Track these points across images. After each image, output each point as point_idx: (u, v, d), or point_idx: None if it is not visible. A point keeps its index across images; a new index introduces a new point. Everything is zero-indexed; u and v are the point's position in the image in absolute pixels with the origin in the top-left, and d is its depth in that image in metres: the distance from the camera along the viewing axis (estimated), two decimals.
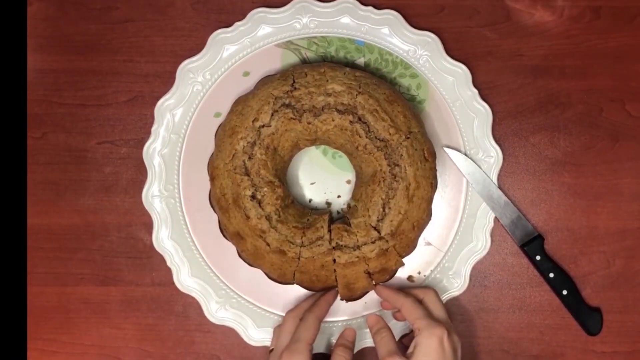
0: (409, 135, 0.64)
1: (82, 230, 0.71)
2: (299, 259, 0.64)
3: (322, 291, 0.66)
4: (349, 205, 0.68)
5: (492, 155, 0.70)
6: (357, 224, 0.64)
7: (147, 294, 0.71)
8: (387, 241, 0.64)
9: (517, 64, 0.72)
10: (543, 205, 0.72)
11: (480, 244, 0.69)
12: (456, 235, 0.70)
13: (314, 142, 0.66)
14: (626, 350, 0.71)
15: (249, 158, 0.64)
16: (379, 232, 0.64)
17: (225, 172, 0.64)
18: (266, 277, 0.67)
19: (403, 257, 0.66)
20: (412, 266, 0.70)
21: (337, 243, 0.64)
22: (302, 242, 0.64)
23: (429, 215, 0.66)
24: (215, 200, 0.66)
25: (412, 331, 0.64)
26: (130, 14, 0.72)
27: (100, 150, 0.72)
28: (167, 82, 0.70)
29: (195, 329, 0.71)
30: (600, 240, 0.71)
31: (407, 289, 0.66)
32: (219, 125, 0.68)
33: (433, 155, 0.66)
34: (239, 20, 0.69)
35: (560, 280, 0.69)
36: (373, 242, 0.64)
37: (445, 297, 0.69)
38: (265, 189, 0.63)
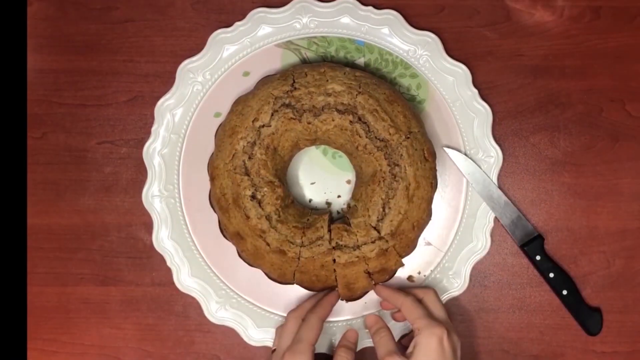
0: (409, 135, 0.64)
1: (82, 230, 0.71)
2: (299, 259, 0.64)
3: (324, 291, 0.66)
4: (349, 205, 0.68)
5: (492, 155, 0.70)
6: (357, 223, 0.64)
7: (147, 294, 0.71)
8: (387, 241, 0.64)
9: (517, 64, 0.72)
10: (543, 205, 0.72)
11: (480, 244, 0.69)
12: (456, 235, 0.70)
13: (314, 142, 0.66)
14: (626, 350, 0.71)
15: (249, 158, 0.64)
16: (379, 232, 0.64)
17: (225, 172, 0.64)
18: (266, 277, 0.67)
19: (403, 257, 0.66)
20: (412, 266, 0.70)
21: (337, 243, 0.64)
22: (302, 242, 0.64)
23: (429, 215, 0.66)
24: (215, 200, 0.66)
25: (411, 331, 0.64)
26: (130, 14, 0.72)
27: (100, 150, 0.72)
28: (167, 82, 0.70)
29: (195, 329, 0.71)
30: (600, 240, 0.71)
31: (407, 289, 0.66)
32: (219, 125, 0.68)
33: (433, 155, 0.66)
34: (239, 20, 0.69)
35: (560, 280, 0.69)
36: (373, 242, 0.64)
37: (445, 297, 0.69)
38: (265, 189, 0.63)
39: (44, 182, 0.71)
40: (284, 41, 0.70)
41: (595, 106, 0.72)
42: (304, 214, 0.66)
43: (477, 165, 0.69)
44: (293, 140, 0.65)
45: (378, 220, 0.64)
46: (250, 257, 0.66)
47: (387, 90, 0.65)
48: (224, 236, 0.68)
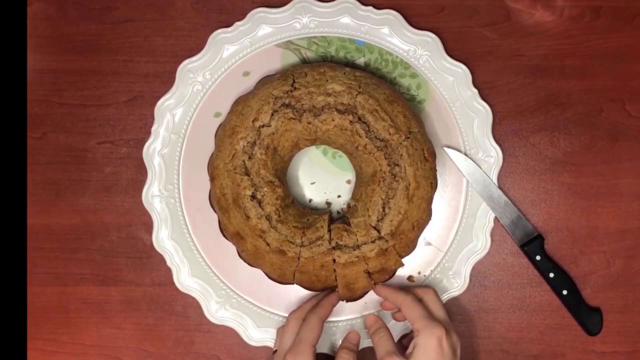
0: (409, 135, 0.64)
1: (82, 230, 0.71)
2: (299, 259, 0.64)
3: (324, 292, 0.66)
4: (348, 205, 0.68)
5: (492, 155, 0.70)
6: (357, 223, 0.64)
7: (147, 294, 0.71)
8: (387, 241, 0.64)
9: (517, 64, 0.72)
10: (543, 205, 0.72)
11: (480, 244, 0.69)
12: (456, 235, 0.70)
13: (314, 142, 0.66)
14: (626, 350, 0.71)
15: (249, 158, 0.64)
16: (378, 232, 0.64)
17: (225, 172, 0.64)
18: (266, 277, 0.67)
19: (403, 257, 0.66)
20: (412, 266, 0.70)
21: (337, 243, 0.64)
22: (302, 242, 0.64)
23: (429, 215, 0.66)
24: (215, 200, 0.66)
25: (411, 331, 0.64)
26: (130, 14, 0.72)
27: (100, 150, 0.72)
28: (167, 82, 0.70)
29: (195, 329, 0.71)
30: (600, 240, 0.71)
31: (407, 288, 0.66)
32: (219, 125, 0.68)
33: (433, 155, 0.66)
34: (239, 20, 0.69)
35: (560, 280, 0.69)
36: (373, 242, 0.64)
37: (445, 297, 0.69)
38: (265, 189, 0.63)
39: (44, 182, 0.72)
40: (284, 41, 0.70)
41: (595, 106, 0.72)
42: (304, 214, 0.66)
43: (477, 165, 0.69)
44: (293, 140, 0.65)
45: (378, 220, 0.64)
46: (250, 257, 0.66)
47: (387, 90, 0.65)
48: (224, 236, 0.68)
